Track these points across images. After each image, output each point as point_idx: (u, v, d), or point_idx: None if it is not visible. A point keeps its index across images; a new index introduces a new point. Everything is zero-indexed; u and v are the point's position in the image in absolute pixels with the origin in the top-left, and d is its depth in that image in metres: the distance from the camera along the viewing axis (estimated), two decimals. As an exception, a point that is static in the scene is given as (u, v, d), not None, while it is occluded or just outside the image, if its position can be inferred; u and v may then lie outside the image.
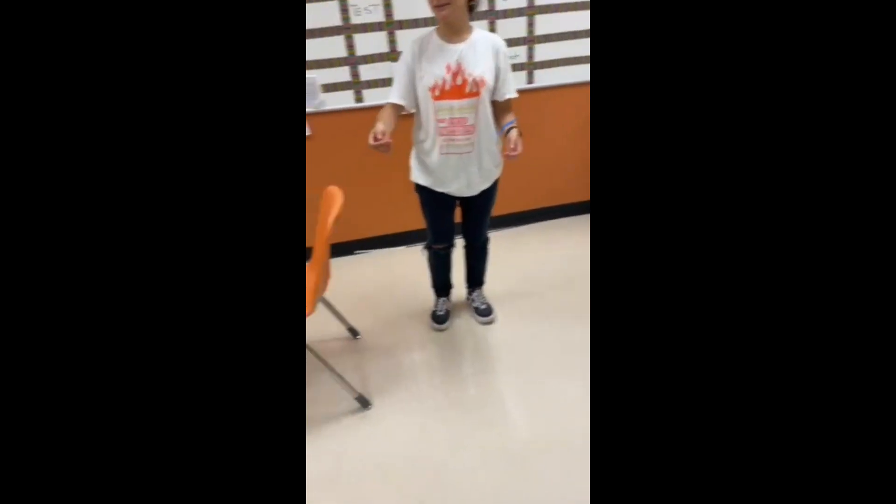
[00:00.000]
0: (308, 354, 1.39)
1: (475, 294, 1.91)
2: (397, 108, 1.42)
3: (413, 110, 1.45)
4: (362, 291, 2.13)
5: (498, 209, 1.74)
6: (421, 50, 1.37)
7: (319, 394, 1.55)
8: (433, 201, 1.57)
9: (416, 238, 2.37)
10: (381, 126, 1.28)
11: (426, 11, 1.36)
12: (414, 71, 1.38)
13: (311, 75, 2.06)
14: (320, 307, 1.75)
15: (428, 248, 1.76)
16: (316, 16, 1.93)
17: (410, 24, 1.98)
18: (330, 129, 2.17)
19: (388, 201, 2.36)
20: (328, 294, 1.75)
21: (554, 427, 1.36)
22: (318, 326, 1.86)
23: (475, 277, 1.90)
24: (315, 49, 2.01)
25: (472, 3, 1.34)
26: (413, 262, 2.36)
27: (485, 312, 1.87)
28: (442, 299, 1.90)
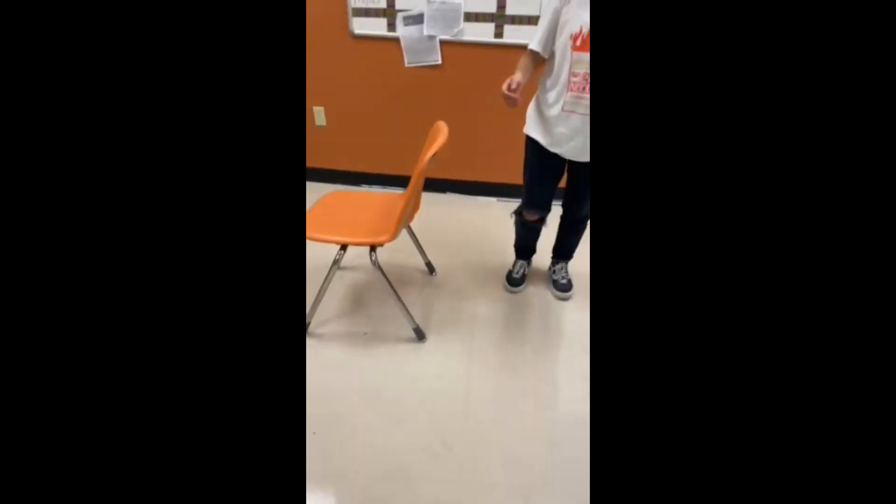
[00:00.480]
0: (380, 278, 1.47)
1: (559, 266, 1.81)
2: (536, 56, 1.33)
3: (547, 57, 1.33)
4: (450, 232, 2.16)
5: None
6: None
7: (384, 315, 1.65)
8: (540, 161, 1.46)
9: (510, 192, 2.29)
10: (519, 77, 1.25)
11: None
12: (560, 14, 1.25)
13: (457, 1, 1.98)
14: (404, 235, 1.82)
15: (518, 213, 1.67)
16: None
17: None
18: (461, 60, 2.11)
19: (496, 149, 2.29)
20: (415, 226, 1.80)
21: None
22: (400, 254, 1.94)
23: (564, 250, 1.79)
24: (465, -27, 1.91)
25: None
26: (503, 216, 2.30)
27: (564, 287, 1.77)
28: (521, 262, 1.83)
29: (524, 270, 1.82)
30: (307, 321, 1.55)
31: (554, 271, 1.82)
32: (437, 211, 2.30)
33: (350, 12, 2.07)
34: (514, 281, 1.80)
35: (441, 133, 1.36)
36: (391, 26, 2.08)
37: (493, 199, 2.44)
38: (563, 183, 1.59)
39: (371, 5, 2.05)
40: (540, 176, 1.52)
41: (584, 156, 1.39)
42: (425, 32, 2.07)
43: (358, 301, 1.73)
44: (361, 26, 2.10)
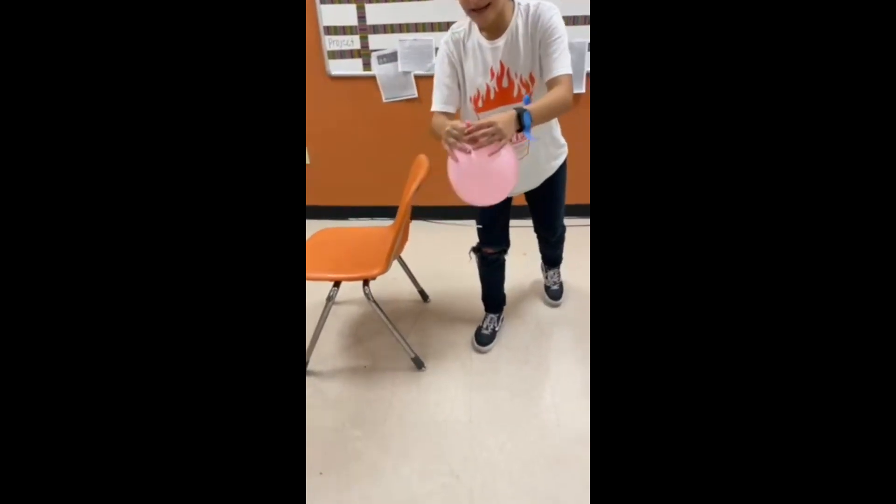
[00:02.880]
0: (375, 310, 1.49)
1: (551, 273, 1.85)
2: (448, 116, 1.22)
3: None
4: (439, 259, 2.19)
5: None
6: (459, 52, 1.17)
7: (381, 347, 1.66)
8: (483, 207, 1.36)
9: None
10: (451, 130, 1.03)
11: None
12: (458, 72, 1.19)
13: (427, 38, 2.08)
14: (396, 267, 1.85)
15: (476, 250, 1.53)
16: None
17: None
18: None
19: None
20: (405, 256, 1.83)
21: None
22: (393, 284, 1.96)
23: (550, 260, 1.83)
24: (429, 11, 2.01)
25: None
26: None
27: (555, 295, 1.81)
28: (491, 316, 1.65)
29: (494, 326, 1.64)
30: (306, 359, 1.55)
31: (547, 276, 1.86)
32: (425, 238, 2.34)
33: (325, 55, 2.15)
34: (482, 339, 1.60)
35: (422, 167, 1.41)
36: (367, 65, 2.16)
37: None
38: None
39: (345, 47, 2.14)
40: (486, 213, 1.40)
41: (526, 187, 1.37)
42: (400, 69, 2.15)
43: (355, 335, 1.74)
44: (338, 67, 2.18)
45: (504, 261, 1.57)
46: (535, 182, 1.38)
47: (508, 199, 1.39)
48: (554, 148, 1.35)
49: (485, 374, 1.54)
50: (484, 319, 1.68)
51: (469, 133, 0.99)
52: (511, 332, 1.73)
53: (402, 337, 1.55)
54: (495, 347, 1.65)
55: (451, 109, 1.24)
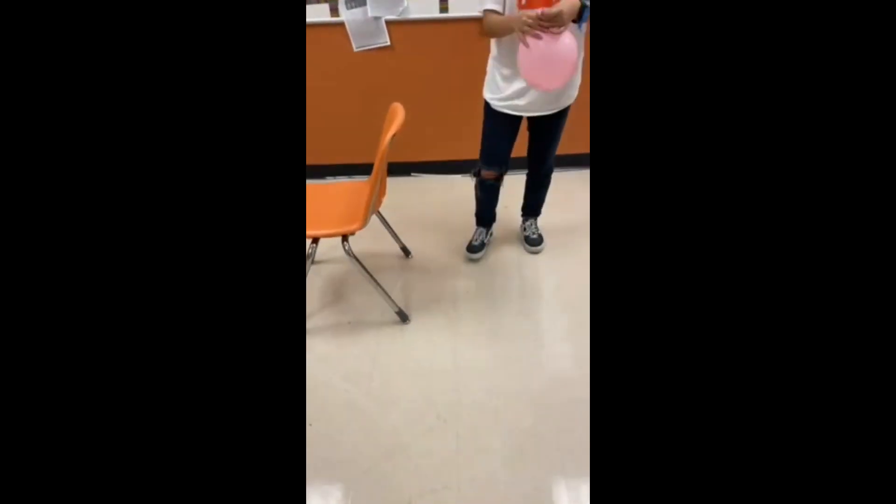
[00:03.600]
0: (356, 267, 1.48)
1: (528, 223, 1.89)
2: (496, 13, 1.30)
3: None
4: (420, 214, 2.17)
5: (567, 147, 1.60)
6: None
7: (366, 303, 1.66)
8: (496, 116, 1.50)
9: (471, 168, 2.30)
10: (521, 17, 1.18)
11: None
12: None
13: (396, -22, 1.95)
14: (377, 223, 1.82)
15: (476, 174, 1.69)
16: None
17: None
18: (410, 39, 2.08)
19: (455, 125, 2.29)
20: (385, 211, 1.80)
21: (580, 373, 1.36)
22: (373, 241, 1.94)
23: (532, 207, 1.87)
24: (402, -52, 1.87)
25: None
26: (470, 192, 2.32)
27: (535, 242, 1.86)
28: (480, 229, 1.87)
29: (483, 237, 1.86)
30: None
31: (525, 228, 1.90)
32: (405, 194, 2.30)
33: (290, 0, 2.00)
34: (472, 248, 1.84)
35: (398, 115, 1.35)
36: (334, 11, 2.03)
37: (457, 177, 2.45)
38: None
39: (310, -9, 1.99)
40: (495, 132, 1.54)
41: (539, 110, 1.45)
42: (370, 14, 2.03)
43: (337, 293, 1.74)
44: (304, 14, 2.04)
45: (499, 187, 1.71)
46: (555, 107, 1.47)
47: (515, 126, 1.52)
48: (577, 77, 1.44)
49: (469, 323, 1.57)
50: (475, 232, 1.87)
51: (542, 18, 1.16)
52: (495, 284, 1.74)
53: (384, 292, 1.55)
54: (480, 298, 1.67)
55: (500, 8, 1.30)
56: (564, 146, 2.28)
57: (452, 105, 2.22)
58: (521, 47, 1.23)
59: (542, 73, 1.27)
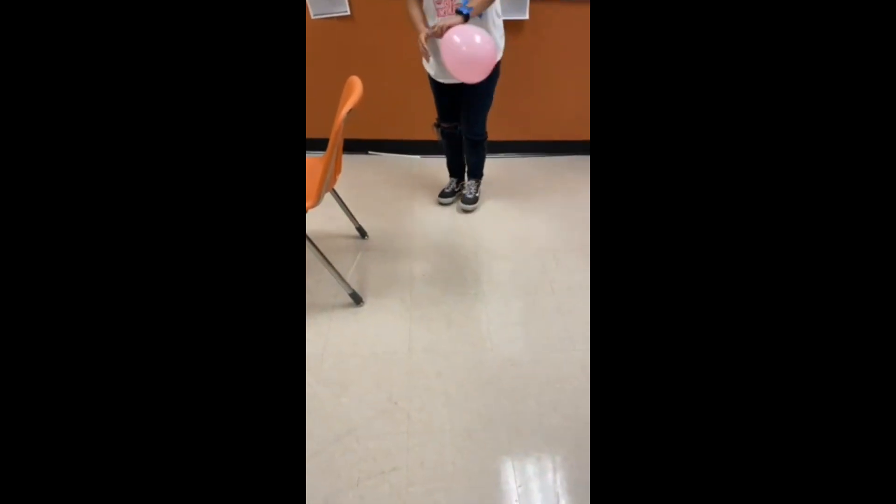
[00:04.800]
0: (309, 247, 1.42)
1: (468, 183, 2.04)
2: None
3: None
4: (377, 194, 2.12)
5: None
6: None
7: (318, 284, 1.61)
8: (434, 86, 1.75)
9: (434, 150, 2.28)
10: (421, 27, 1.49)
11: None
12: None
13: (358, -57, 1.84)
14: (332, 203, 1.76)
15: (437, 125, 1.88)
16: None
17: None
18: (371, 9, 1.99)
19: (416, 103, 2.23)
20: (341, 190, 1.74)
21: (531, 356, 1.39)
22: (328, 221, 1.88)
23: (470, 169, 2.01)
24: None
25: None
26: (431, 174, 2.29)
27: (468, 201, 2.00)
28: (452, 179, 2.09)
29: (454, 186, 2.08)
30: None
31: (466, 187, 2.06)
32: (362, 173, 2.24)
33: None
34: (444, 194, 2.06)
35: (355, 88, 1.30)
36: (290, -28, 1.90)
37: (416, 157, 2.41)
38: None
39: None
40: (439, 96, 1.78)
41: (441, 77, 1.65)
42: (329, -21, 1.92)
43: (289, 273, 1.68)
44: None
45: (459, 135, 1.89)
46: (450, 79, 1.64)
47: (459, 88, 1.69)
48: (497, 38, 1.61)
49: (424, 306, 1.56)
50: (449, 183, 2.10)
51: (432, 35, 1.47)
52: (451, 268, 1.74)
53: (337, 272, 1.51)
54: (435, 281, 1.67)
55: None
56: (521, 134, 2.27)
57: (414, 81, 2.16)
58: (443, 50, 1.47)
59: (462, 72, 1.51)
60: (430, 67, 1.68)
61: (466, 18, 1.44)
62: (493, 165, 2.34)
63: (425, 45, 1.47)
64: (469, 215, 1.99)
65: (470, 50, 1.43)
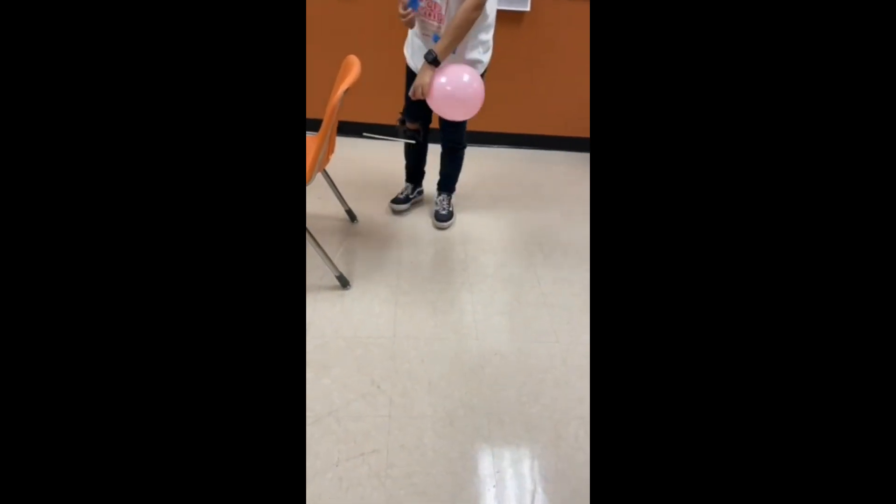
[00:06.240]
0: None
1: (440, 198, 1.88)
2: None
3: None
4: (370, 178, 2.10)
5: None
6: None
7: (306, 264, 1.60)
8: (410, 77, 1.58)
9: (433, 136, 2.27)
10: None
11: None
12: None
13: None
14: (323, 184, 1.74)
15: (401, 122, 1.70)
16: None
17: None
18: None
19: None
20: (332, 172, 1.72)
21: (515, 346, 1.40)
22: (319, 203, 1.86)
23: (442, 180, 1.87)
24: None
25: None
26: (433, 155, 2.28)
27: (443, 218, 1.83)
28: (407, 185, 1.93)
29: (408, 193, 1.92)
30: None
31: (436, 203, 1.89)
32: (356, 156, 2.21)
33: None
34: (397, 200, 1.89)
35: (353, 68, 1.28)
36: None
37: (412, 143, 2.39)
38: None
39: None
40: (414, 103, 1.61)
41: None
42: (330, -45, 1.87)
43: (275, 252, 1.65)
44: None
45: (425, 140, 1.77)
46: None
47: None
48: (480, 53, 1.51)
49: (410, 293, 1.56)
50: (404, 188, 1.93)
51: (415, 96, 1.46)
52: (439, 256, 1.74)
53: (325, 254, 1.49)
54: (423, 269, 1.66)
55: None
56: (516, 126, 2.26)
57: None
58: (435, 83, 1.42)
59: (450, 112, 1.49)
60: (410, 57, 1.57)
61: (436, 63, 1.38)
62: (486, 156, 2.34)
63: (405, 15, 1.38)
64: (459, 204, 1.99)
65: (458, 91, 1.40)
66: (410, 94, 1.45)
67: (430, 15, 1.40)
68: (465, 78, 1.40)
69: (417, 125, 1.67)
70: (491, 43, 1.51)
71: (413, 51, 1.53)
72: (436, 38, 1.41)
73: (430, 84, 1.40)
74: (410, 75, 1.56)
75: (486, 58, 1.51)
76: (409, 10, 1.36)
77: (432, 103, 1.45)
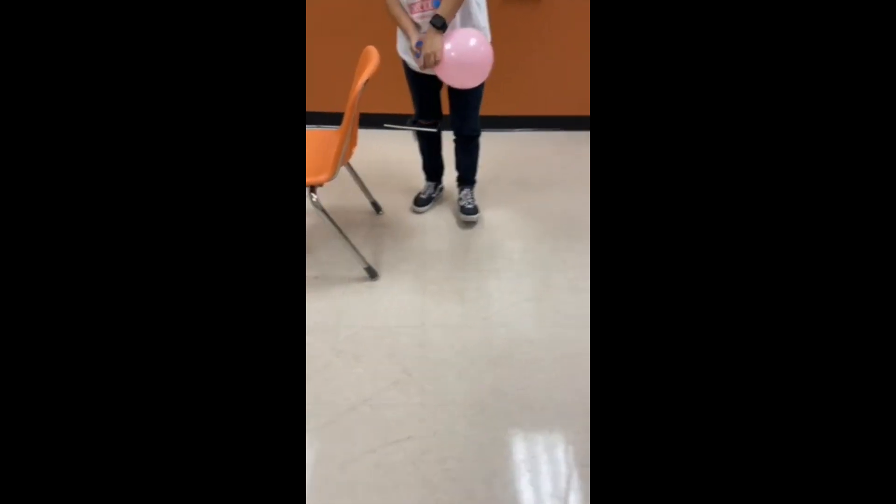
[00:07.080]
0: (325, 221, 1.43)
1: (464, 192, 1.83)
2: None
3: None
4: (393, 169, 2.10)
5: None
6: None
7: (333, 257, 1.63)
8: (413, 77, 1.56)
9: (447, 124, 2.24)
10: (412, 32, 1.37)
11: None
12: None
13: None
14: (347, 177, 1.75)
15: (414, 122, 1.69)
16: None
17: None
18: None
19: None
20: (356, 165, 1.73)
21: (543, 332, 1.40)
22: (344, 195, 1.88)
23: (461, 173, 1.82)
24: None
25: None
26: (446, 148, 2.27)
27: (469, 211, 1.78)
28: (428, 183, 1.89)
29: (431, 192, 1.88)
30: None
31: (460, 198, 1.84)
32: (378, 148, 2.22)
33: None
34: (419, 201, 1.86)
35: (372, 59, 1.27)
36: (305, -62, 1.84)
37: (433, 132, 2.37)
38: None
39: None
40: (416, 91, 1.61)
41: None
42: (345, -55, 1.86)
43: (304, 246, 1.69)
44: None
45: (439, 133, 1.73)
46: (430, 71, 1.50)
47: (431, 83, 1.56)
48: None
49: (437, 282, 1.57)
50: (424, 186, 1.89)
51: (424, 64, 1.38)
52: (464, 244, 1.74)
53: (353, 247, 1.51)
54: (449, 258, 1.67)
55: None
56: (532, 108, 2.20)
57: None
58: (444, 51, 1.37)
59: (460, 79, 1.43)
60: (408, 56, 1.49)
61: (444, 27, 1.34)
62: (506, 141, 2.30)
63: (416, 50, 1.38)
64: (482, 190, 1.97)
65: (466, 56, 1.36)
66: (420, 66, 1.40)
67: (424, 7, 1.37)
68: (473, 42, 1.35)
69: (432, 122, 1.67)
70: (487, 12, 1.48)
71: (406, 47, 1.48)
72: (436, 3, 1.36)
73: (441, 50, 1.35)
74: (411, 74, 1.56)
75: (487, 23, 1.48)
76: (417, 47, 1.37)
77: (442, 71, 1.39)
